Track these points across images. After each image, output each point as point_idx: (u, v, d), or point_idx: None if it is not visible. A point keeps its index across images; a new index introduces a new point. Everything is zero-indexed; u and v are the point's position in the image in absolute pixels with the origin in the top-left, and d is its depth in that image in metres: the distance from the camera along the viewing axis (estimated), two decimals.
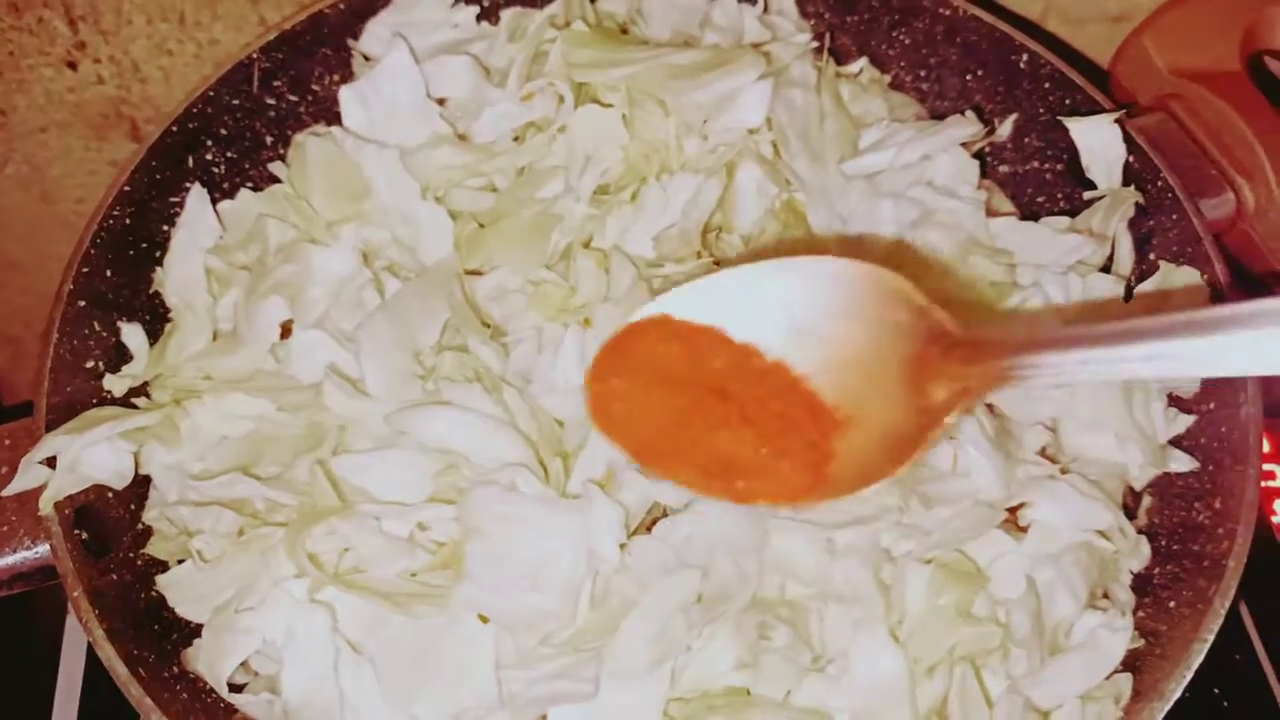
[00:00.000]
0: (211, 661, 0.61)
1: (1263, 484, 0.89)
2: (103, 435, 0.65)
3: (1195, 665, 0.58)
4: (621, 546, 0.62)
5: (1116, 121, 0.75)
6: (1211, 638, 0.59)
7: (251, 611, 0.61)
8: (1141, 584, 0.68)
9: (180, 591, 0.64)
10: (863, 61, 0.84)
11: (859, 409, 0.56)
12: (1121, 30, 0.88)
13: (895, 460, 0.55)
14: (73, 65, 0.96)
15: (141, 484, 0.70)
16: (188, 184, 0.78)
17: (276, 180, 0.79)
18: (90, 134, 1.03)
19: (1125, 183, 0.76)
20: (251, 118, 0.81)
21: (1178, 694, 0.57)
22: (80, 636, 0.87)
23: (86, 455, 0.65)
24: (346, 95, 0.77)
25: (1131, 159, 0.75)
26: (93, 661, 0.86)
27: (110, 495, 0.68)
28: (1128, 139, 0.75)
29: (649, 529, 0.67)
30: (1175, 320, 0.46)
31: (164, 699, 0.60)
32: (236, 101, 0.80)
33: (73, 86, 0.98)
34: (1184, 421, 0.70)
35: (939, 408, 0.53)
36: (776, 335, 0.57)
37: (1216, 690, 0.79)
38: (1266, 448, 0.92)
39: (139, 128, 1.03)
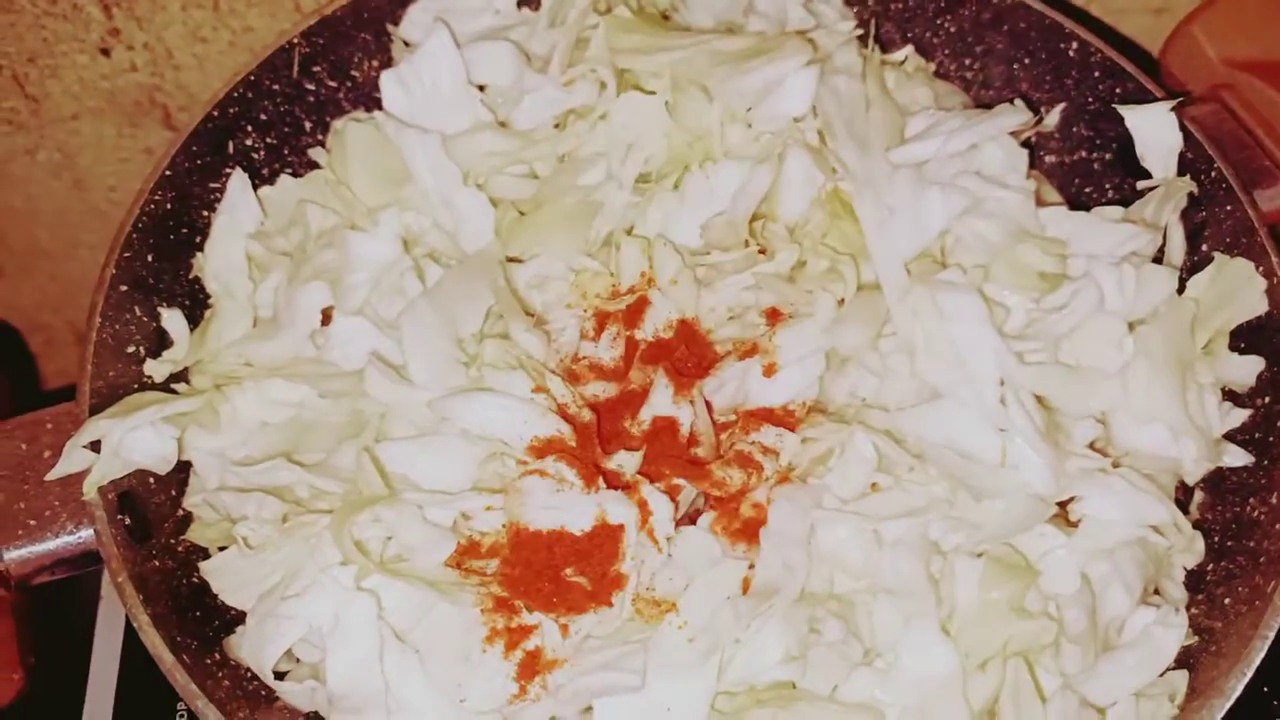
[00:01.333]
0: (256, 648, 0.60)
1: None
2: (146, 419, 0.65)
3: (1256, 662, 0.57)
4: (668, 538, 0.62)
5: (1171, 110, 0.73)
6: (1272, 635, 0.58)
7: (297, 598, 0.60)
8: (1194, 580, 0.67)
9: (224, 578, 0.63)
10: (908, 49, 0.83)
11: None
12: (1163, 22, 0.86)
13: None
14: (106, 52, 0.96)
15: (182, 470, 0.70)
16: (228, 169, 0.77)
17: (316, 166, 0.79)
18: (123, 121, 1.03)
19: (1179, 173, 0.74)
20: (291, 103, 0.81)
21: (1239, 691, 0.56)
22: (113, 623, 0.87)
23: (130, 439, 0.65)
24: (388, 80, 0.77)
25: (1184, 149, 0.74)
26: (128, 650, 0.85)
27: (152, 481, 0.68)
28: (1181, 128, 0.74)
29: (693, 520, 0.66)
30: None
31: (208, 686, 0.59)
32: (276, 87, 0.79)
33: (106, 74, 0.97)
34: (1239, 415, 0.69)
35: None
36: None
37: (1266, 689, 0.78)
38: None
39: (172, 115, 1.03)
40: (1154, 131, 0.73)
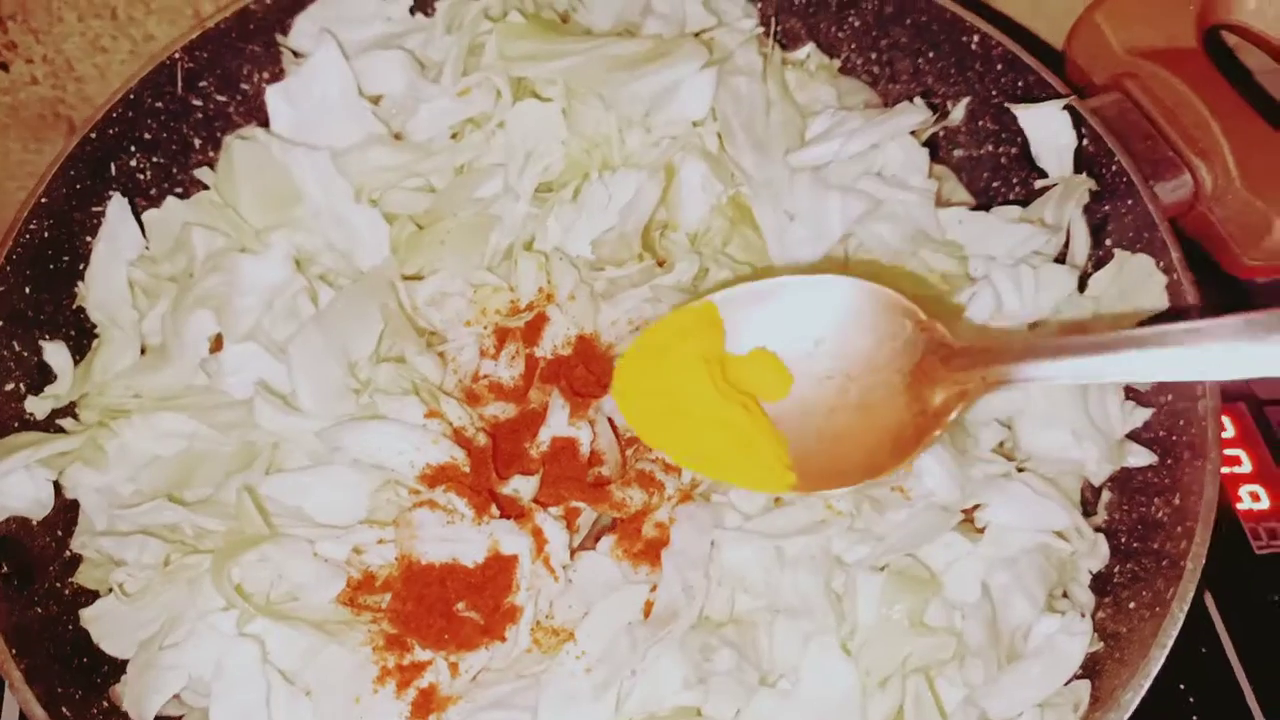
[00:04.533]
0: (137, 699, 0.58)
1: (1226, 470, 0.88)
2: (19, 463, 0.63)
3: (1153, 673, 0.56)
4: (564, 566, 0.60)
5: (1066, 107, 0.72)
6: (1170, 643, 0.57)
7: (177, 647, 0.58)
8: (1101, 583, 0.66)
9: (104, 626, 0.61)
10: (810, 47, 0.82)
11: (868, 411, 0.61)
12: (1079, 8, 0.85)
13: (898, 455, 0.60)
14: (4, 66, 0.93)
15: (71, 508, 0.67)
16: (111, 192, 0.75)
17: (204, 186, 0.76)
18: (28, 135, 1.00)
19: (1079, 167, 0.73)
20: (178, 120, 0.78)
21: (1135, 704, 0.56)
22: None
23: (3, 485, 0.62)
24: (273, 96, 0.74)
25: (1086, 142, 0.73)
26: None
27: (35, 523, 0.66)
28: (1082, 121, 0.73)
29: (598, 538, 0.65)
30: (1150, 334, 0.53)
31: None
32: (160, 104, 0.77)
33: (6, 88, 0.95)
34: (1141, 415, 0.68)
35: (939, 409, 0.59)
36: (804, 345, 0.63)
37: (1182, 686, 0.78)
38: (1231, 432, 0.90)
39: (76, 127, 1.00)
40: (1048, 129, 0.72)
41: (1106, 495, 0.70)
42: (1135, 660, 0.57)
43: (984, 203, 0.80)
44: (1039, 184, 0.74)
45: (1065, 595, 0.66)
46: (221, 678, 0.58)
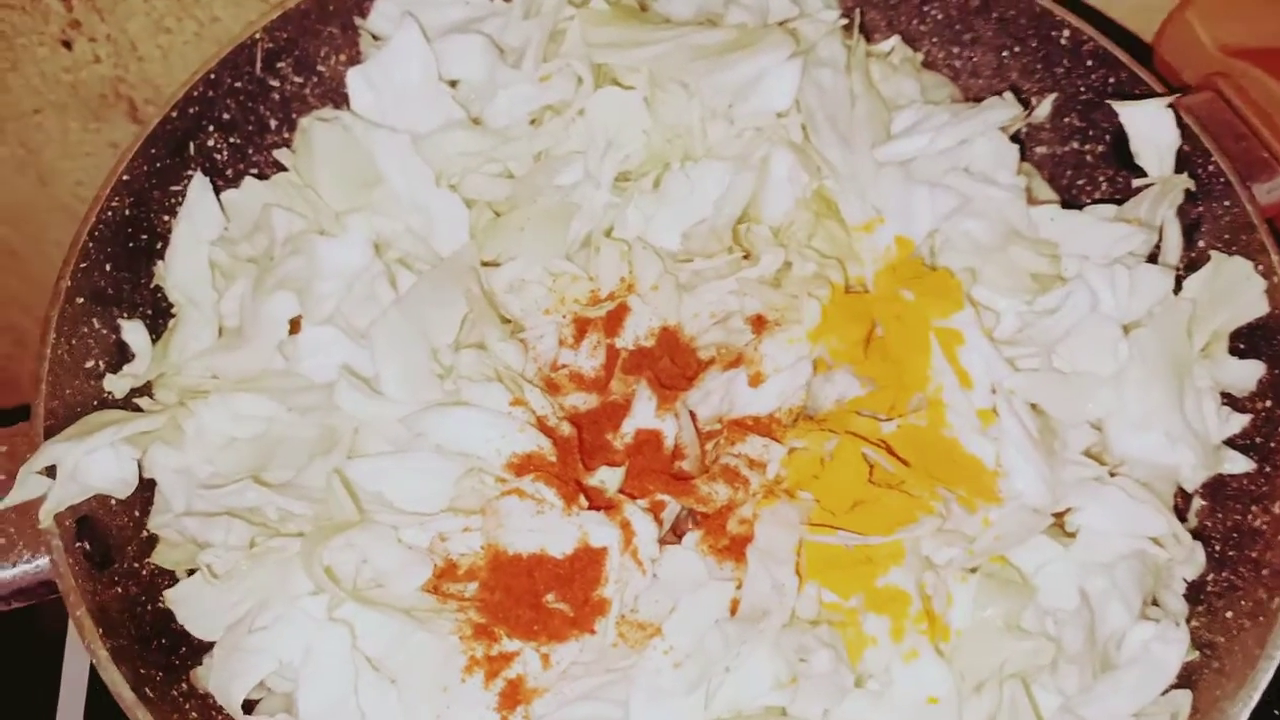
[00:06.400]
0: (224, 683, 0.58)
1: None
2: (104, 441, 0.62)
3: (1263, 685, 0.55)
4: (652, 560, 0.60)
5: (1169, 105, 0.71)
6: (1279, 655, 0.56)
7: (266, 630, 0.58)
8: (1194, 592, 0.65)
9: (190, 608, 0.61)
10: (894, 39, 0.81)
11: None
12: (1156, 7, 0.84)
13: None
14: (68, 44, 0.93)
15: (147, 487, 0.67)
16: (189, 172, 0.74)
17: (282, 168, 0.75)
18: (88, 115, 1.01)
19: (1174, 167, 0.72)
20: (255, 101, 0.77)
21: (1244, 717, 0.55)
22: (82, 649, 0.84)
23: (87, 463, 0.62)
24: (354, 78, 0.74)
25: (1180, 142, 0.72)
26: (95, 676, 0.83)
27: (114, 502, 0.65)
28: (1177, 120, 0.72)
29: (677, 536, 0.64)
30: None
31: None
32: (239, 84, 0.76)
33: (68, 67, 0.95)
34: (1239, 421, 0.67)
35: None
36: None
37: (1277, 712, 0.75)
38: None
39: (138, 108, 1.00)
40: (1150, 127, 0.71)
41: (1198, 502, 0.68)
42: (1240, 671, 0.56)
43: (1067, 201, 0.78)
44: (1136, 183, 0.72)
45: (1156, 603, 0.65)
46: (310, 662, 0.57)
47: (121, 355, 0.70)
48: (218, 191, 0.74)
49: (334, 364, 0.66)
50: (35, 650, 0.85)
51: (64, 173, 1.06)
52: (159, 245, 0.73)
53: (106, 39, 0.93)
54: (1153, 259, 0.71)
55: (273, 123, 0.79)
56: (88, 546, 0.62)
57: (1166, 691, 0.60)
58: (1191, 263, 0.71)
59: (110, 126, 1.02)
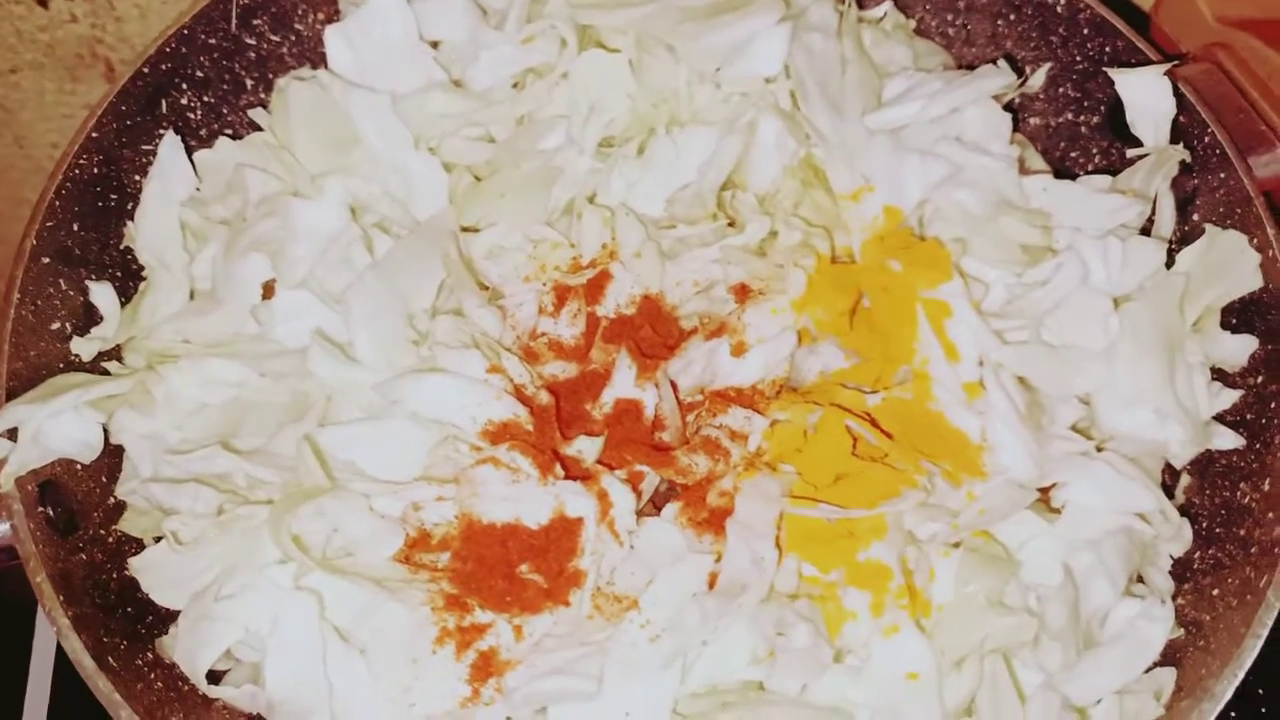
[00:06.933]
0: (189, 652, 0.57)
1: None
2: (69, 404, 0.61)
3: (1248, 663, 0.54)
4: (630, 532, 0.58)
5: (1165, 74, 0.69)
6: (1265, 633, 0.55)
7: (232, 599, 0.56)
8: (1180, 569, 0.64)
9: (155, 576, 0.59)
10: (887, 5, 0.79)
11: None
12: None
13: None
14: (43, 3, 0.91)
15: (115, 453, 0.65)
16: (161, 130, 0.72)
17: (257, 128, 0.74)
18: (64, 75, 0.98)
19: (1170, 139, 0.70)
20: (230, 59, 0.75)
21: (1229, 694, 0.54)
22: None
23: (51, 426, 0.60)
24: (332, 36, 0.72)
25: (1176, 113, 0.70)
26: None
27: (80, 468, 0.64)
28: (1174, 90, 0.70)
29: (656, 508, 0.63)
30: None
31: (137, 690, 0.56)
32: (214, 41, 0.74)
33: (44, 25, 0.92)
34: (1229, 396, 0.65)
35: None
36: None
37: (1261, 691, 0.74)
38: None
39: (115, 68, 0.98)
40: (1146, 96, 0.69)
41: (1185, 479, 0.67)
42: (1226, 649, 0.55)
43: (1061, 173, 0.77)
44: (1131, 153, 0.71)
45: (1141, 580, 0.64)
46: (277, 632, 0.56)
47: (89, 317, 0.68)
48: (190, 151, 0.72)
49: (307, 329, 0.65)
50: (4, 618, 0.83)
51: (40, 134, 1.04)
52: (129, 205, 0.71)
53: None
54: (1145, 232, 0.70)
55: (248, 82, 0.77)
56: (51, 512, 0.60)
57: (1151, 669, 0.59)
58: (1185, 236, 0.70)
59: (87, 87, 1.00)
